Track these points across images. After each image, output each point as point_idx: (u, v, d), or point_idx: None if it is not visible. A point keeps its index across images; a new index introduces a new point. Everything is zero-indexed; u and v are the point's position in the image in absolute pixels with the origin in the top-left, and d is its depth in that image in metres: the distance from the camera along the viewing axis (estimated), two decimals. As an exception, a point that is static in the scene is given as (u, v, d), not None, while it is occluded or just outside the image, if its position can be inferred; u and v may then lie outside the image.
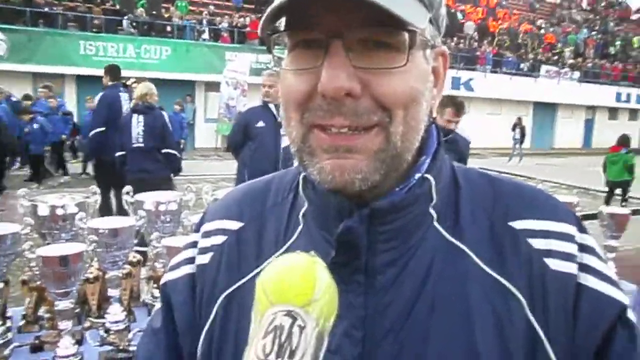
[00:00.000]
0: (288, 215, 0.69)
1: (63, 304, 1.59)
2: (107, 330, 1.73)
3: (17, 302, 2.05)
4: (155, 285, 2.01)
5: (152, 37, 17.65)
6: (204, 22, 19.32)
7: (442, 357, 0.57)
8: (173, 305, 0.72)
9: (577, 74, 27.84)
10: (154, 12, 18.34)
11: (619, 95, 29.42)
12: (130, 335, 1.70)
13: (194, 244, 0.74)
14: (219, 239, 0.71)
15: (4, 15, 15.82)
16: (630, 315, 0.60)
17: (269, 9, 0.55)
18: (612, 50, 32.18)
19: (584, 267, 0.60)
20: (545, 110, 27.25)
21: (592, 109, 29.26)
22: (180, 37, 18.41)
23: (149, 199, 2.00)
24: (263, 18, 0.55)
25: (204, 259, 0.71)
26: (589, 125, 29.67)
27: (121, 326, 1.80)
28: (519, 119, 20.13)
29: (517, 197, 0.65)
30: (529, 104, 26.09)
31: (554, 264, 0.60)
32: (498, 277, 0.60)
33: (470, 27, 25.94)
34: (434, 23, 0.61)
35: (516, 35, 27.47)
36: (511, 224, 0.62)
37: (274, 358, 0.45)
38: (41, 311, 1.87)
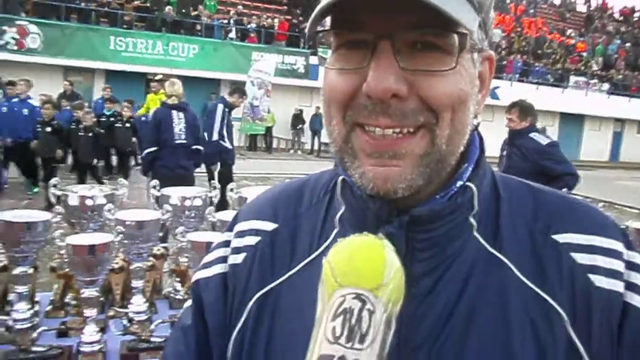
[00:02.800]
0: (323, 218, 0.69)
1: (89, 292, 1.64)
2: (130, 320, 1.77)
3: (44, 288, 2.11)
4: (178, 279, 2.05)
5: (180, 35, 17.90)
6: (232, 21, 19.51)
7: None
8: (204, 304, 0.71)
9: (606, 86, 27.28)
10: (183, 11, 18.59)
11: (649, 108, 28.76)
12: (152, 327, 1.74)
13: (226, 243, 0.73)
14: (253, 240, 0.71)
15: (39, 9, 16.25)
16: None
17: (317, 8, 0.54)
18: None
19: (631, 286, 0.58)
20: (572, 121, 26.76)
21: (620, 121, 28.63)
22: (208, 36, 18.63)
23: (175, 193, 2.04)
24: (312, 16, 0.55)
25: (237, 258, 0.70)
26: (617, 138, 29.03)
27: (143, 317, 1.84)
28: (544, 128, 19.78)
29: (560, 209, 0.64)
30: (555, 115, 25.65)
31: (598, 280, 0.58)
32: (539, 291, 0.58)
33: (497, 35, 25.65)
34: (482, 26, 0.60)
35: (545, 44, 27.06)
36: (554, 237, 0.61)
37: (344, 342, 0.45)
38: (68, 298, 1.93)
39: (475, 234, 0.61)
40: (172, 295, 2.10)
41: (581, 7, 36.26)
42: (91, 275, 1.61)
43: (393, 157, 0.56)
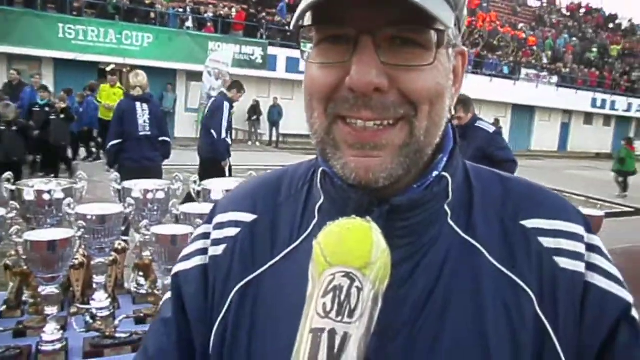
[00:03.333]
0: (302, 209, 0.70)
1: (49, 289, 1.59)
2: (93, 317, 1.73)
3: (-2, 288, 2.03)
4: (141, 273, 2.01)
5: (134, 24, 17.37)
6: (188, 10, 19.09)
7: (454, 349, 0.59)
8: (184, 295, 0.72)
9: (555, 78, 28.35)
10: (136, -2, 18.05)
11: (594, 100, 30.06)
12: (116, 322, 1.70)
13: (206, 235, 0.74)
14: (233, 231, 0.72)
15: (-21, -7, 15.41)
16: (634, 313, 0.62)
17: (302, 5, 0.56)
18: (590, 56, 32.82)
19: (591, 266, 0.62)
20: (523, 112, 27.69)
21: (568, 113, 29.85)
22: (163, 25, 18.16)
23: (137, 186, 1.99)
24: (297, 13, 0.56)
25: (217, 250, 0.71)
26: (564, 129, 30.27)
27: (106, 313, 1.80)
28: (497, 120, 20.41)
29: (528, 197, 0.67)
30: (507, 106, 26.48)
31: (563, 262, 0.62)
32: (510, 274, 0.62)
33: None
34: (457, 23, 0.62)
35: (498, 37, 27.81)
36: (522, 222, 0.65)
37: (334, 316, 0.47)
38: (25, 296, 1.85)
39: (450, 221, 0.65)
40: (135, 289, 2.06)
41: (532, 2, 37.46)
42: (51, 272, 1.55)
43: (374, 148, 0.58)
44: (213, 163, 6.28)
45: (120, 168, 5.06)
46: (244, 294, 0.68)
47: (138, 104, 5.22)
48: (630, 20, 42.45)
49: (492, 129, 4.81)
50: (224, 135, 6.30)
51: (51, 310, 1.61)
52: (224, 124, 6.33)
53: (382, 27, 0.55)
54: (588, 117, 31.02)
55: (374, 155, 0.58)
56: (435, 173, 0.64)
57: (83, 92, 12.71)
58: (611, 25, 39.25)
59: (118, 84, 11.36)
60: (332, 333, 0.47)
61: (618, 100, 31.26)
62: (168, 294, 0.76)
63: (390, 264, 0.52)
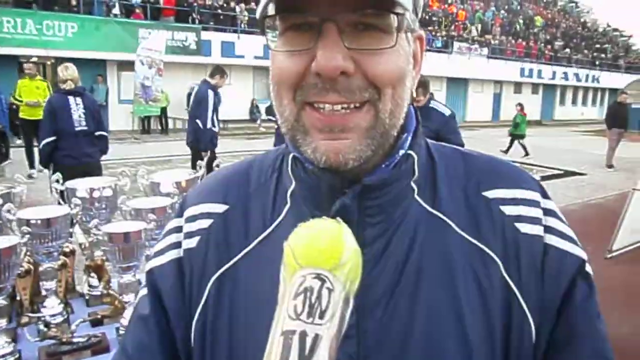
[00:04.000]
0: (273, 196, 0.71)
1: (-4, 301, 1.50)
2: (46, 325, 1.65)
3: None
4: (93, 275, 1.94)
5: (55, 12, 16.35)
6: (113, -4, 18.20)
7: (430, 320, 0.62)
8: (161, 291, 0.71)
9: (485, 51, 29.33)
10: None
11: (522, 70, 31.45)
12: (73, 327, 1.64)
13: (178, 229, 0.74)
14: (205, 223, 0.72)
15: None
16: (588, 268, 0.68)
17: (261, 2, 0.57)
18: (517, 27, 34.15)
19: (548, 229, 0.67)
20: (458, 85, 28.56)
21: (499, 83, 31.05)
22: (87, 13, 17.22)
23: (81, 185, 1.91)
24: (261, 4, 0.57)
25: (191, 243, 0.72)
26: (497, 99, 31.49)
27: (60, 319, 1.73)
28: (431, 94, 20.91)
29: (487, 169, 0.71)
30: (442, 79, 27.19)
31: (523, 227, 0.66)
32: (476, 242, 0.65)
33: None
34: (414, 8, 0.64)
35: (427, 12, 28.36)
36: (484, 193, 0.68)
37: (305, 318, 0.48)
38: (-33, 311, 1.74)
39: (417, 197, 0.68)
40: (88, 292, 1.99)
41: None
42: (-3, 282, 1.47)
43: (342, 131, 0.60)
44: (199, 152, 6.23)
45: (57, 167, 4.82)
46: (221, 283, 0.68)
47: (71, 98, 4.97)
48: (550, -8, 44.44)
49: (447, 112, 4.89)
50: (209, 125, 6.30)
51: (0, 323, 1.53)
52: (209, 113, 6.29)
53: (344, 13, 0.56)
54: (517, 87, 32.41)
55: (342, 137, 0.60)
56: (401, 152, 0.66)
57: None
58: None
59: (39, 77, 9.68)
60: (303, 335, 0.47)
61: (544, 69, 32.84)
62: (143, 291, 0.75)
63: (362, 265, 0.53)
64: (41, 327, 1.68)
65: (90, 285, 2.01)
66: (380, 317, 0.62)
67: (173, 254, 0.73)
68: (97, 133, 5.16)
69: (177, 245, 0.73)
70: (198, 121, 6.30)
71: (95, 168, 4.81)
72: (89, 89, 16.46)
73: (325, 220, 0.54)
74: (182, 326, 0.70)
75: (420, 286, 0.63)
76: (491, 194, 0.68)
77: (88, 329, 1.73)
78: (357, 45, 0.58)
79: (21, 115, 9.55)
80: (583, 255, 0.68)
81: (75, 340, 1.61)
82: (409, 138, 0.68)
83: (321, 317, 0.48)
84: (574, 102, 37.00)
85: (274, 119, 5.39)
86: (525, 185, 0.70)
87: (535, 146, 15.58)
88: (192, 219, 0.73)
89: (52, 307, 1.75)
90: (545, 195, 0.70)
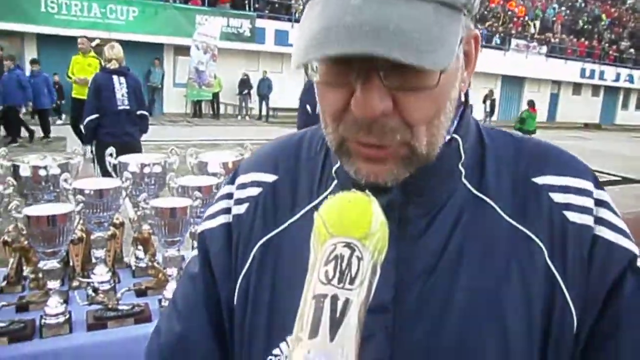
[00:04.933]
0: (321, 170, 0.73)
1: (51, 264, 1.60)
2: (95, 290, 1.75)
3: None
4: (140, 247, 2.02)
5: (118, -4, 16.94)
6: (173, -18, 18.66)
7: (467, 300, 0.62)
8: (210, 253, 0.75)
9: (544, 49, 28.26)
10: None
11: (583, 71, 30.06)
12: (118, 295, 1.72)
13: (229, 195, 0.78)
14: (255, 191, 0.75)
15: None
16: None
17: (295, 46, 0.55)
18: (580, 25, 32.68)
19: (599, 220, 0.65)
20: (513, 83, 27.68)
21: (557, 83, 29.87)
22: (148, -2, 17.75)
23: (133, 160, 1.99)
24: (293, 55, 0.54)
25: (240, 209, 0.75)
26: (554, 99, 30.33)
27: (108, 286, 1.82)
28: (491, 91, 20.44)
29: (539, 155, 0.70)
30: (497, 77, 26.43)
31: (572, 216, 0.65)
32: (521, 227, 0.64)
33: None
34: (467, 14, 0.60)
35: (486, 7, 27.57)
36: (534, 179, 0.67)
37: (336, 283, 0.50)
38: (25, 272, 1.86)
39: (464, 180, 0.67)
40: (134, 263, 2.08)
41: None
42: (52, 247, 1.56)
43: (380, 162, 0.60)
44: None
45: (98, 144, 4.98)
46: (266, 250, 0.71)
47: (115, 77, 5.09)
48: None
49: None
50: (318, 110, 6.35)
51: (53, 284, 1.63)
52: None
53: (384, 62, 0.52)
54: (577, 88, 31.07)
55: (379, 164, 0.60)
56: (447, 137, 0.66)
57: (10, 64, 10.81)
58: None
59: (92, 53, 8.98)
60: (335, 299, 0.49)
61: (607, 70, 31.28)
62: (194, 252, 0.80)
63: (388, 237, 0.54)
64: (90, 292, 1.78)
65: (136, 257, 2.10)
66: (419, 293, 0.63)
67: (223, 219, 0.76)
68: (138, 112, 5.26)
69: (227, 210, 0.76)
70: (308, 107, 6.39)
71: (134, 147, 4.89)
72: (146, 72, 17.11)
73: (355, 193, 0.56)
74: (227, 287, 0.73)
75: (460, 267, 0.63)
76: (541, 180, 0.67)
77: (132, 298, 1.82)
78: (397, 83, 0.55)
79: (73, 94, 9.21)
80: (635, 249, 0.66)
81: (120, 307, 1.70)
82: (455, 122, 0.67)
83: (351, 283, 0.50)
84: (638, 106, 35.16)
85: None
86: (577, 173, 0.68)
87: (593, 150, 14.97)
88: (243, 186, 0.76)
89: (100, 274, 1.85)
90: (598, 186, 0.68)
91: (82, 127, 5.33)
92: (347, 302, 0.49)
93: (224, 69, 17.89)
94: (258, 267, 0.71)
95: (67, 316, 1.63)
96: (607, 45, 32.80)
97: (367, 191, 0.56)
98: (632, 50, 33.78)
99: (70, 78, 9.39)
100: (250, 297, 0.71)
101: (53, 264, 1.59)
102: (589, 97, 31.71)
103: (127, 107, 5.13)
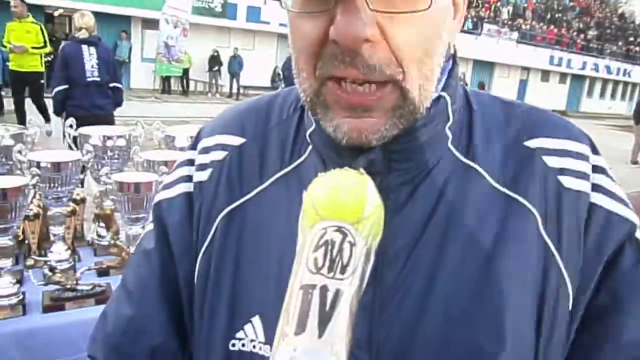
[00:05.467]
0: (294, 134, 0.66)
1: (1, 241, 1.49)
2: (52, 269, 1.64)
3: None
4: (102, 225, 1.91)
5: (83, -35, 16.24)
6: (142, -49, 17.99)
7: (454, 276, 0.57)
8: (168, 225, 0.68)
9: (515, 35, 28.60)
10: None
11: (552, 58, 30.65)
12: (77, 274, 1.62)
13: (190, 162, 0.70)
14: (219, 155, 0.67)
15: None
16: (639, 235, 0.61)
17: None
18: (552, 13, 33.18)
19: (596, 187, 0.60)
20: (484, 68, 27.99)
21: (526, 70, 30.37)
22: (115, -33, 17.08)
23: (95, 133, 1.87)
24: None
25: (202, 175, 0.67)
26: (522, 85, 30.86)
27: (66, 265, 1.72)
28: (463, 74, 20.66)
29: (530, 117, 0.65)
30: (469, 62, 26.66)
31: (568, 181, 0.60)
32: (512, 193, 0.59)
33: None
34: None
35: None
36: (526, 143, 0.62)
37: (326, 272, 0.46)
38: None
39: (450, 145, 0.62)
40: (96, 241, 1.97)
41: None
42: (3, 222, 1.45)
43: (365, 111, 0.53)
44: None
45: (67, 116, 4.80)
46: (230, 219, 0.64)
47: (85, 47, 4.85)
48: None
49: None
50: None
51: (4, 263, 1.52)
52: None
53: None
54: (545, 75, 31.69)
55: (365, 116, 0.53)
56: (434, 95, 0.59)
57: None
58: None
59: (30, 18, 7.78)
60: (324, 290, 0.45)
61: (574, 59, 31.97)
62: (149, 226, 0.71)
63: (384, 219, 0.50)
64: (47, 271, 1.67)
65: (98, 235, 1.99)
66: (401, 268, 0.58)
67: (183, 188, 0.68)
68: (111, 85, 5.08)
69: (188, 178, 0.68)
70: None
71: (106, 120, 4.70)
72: (113, 45, 16.54)
73: (348, 171, 0.51)
74: (186, 262, 0.66)
75: (447, 239, 0.58)
76: (534, 143, 0.62)
77: (94, 278, 1.72)
78: (383, 6, 0.49)
79: (10, 66, 7.96)
80: (635, 219, 0.61)
81: (79, 287, 1.60)
82: (443, 79, 0.62)
83: (342, 272, 0.46)
84: (602, 95, 36.09)
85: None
86: (573, 135, 0.63)
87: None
88: (206, 150, 0.69)
89: (59, 252, 1.74)
90: (595, 151, 0.63)
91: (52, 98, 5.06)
92: (337, 293, 0.45)
93: (194, 44, 17.46)
94: (221, 239, 0.64)
95: (21, 297, 1.53)
96: (575, 33, 33.47)
97: (361, 169, 0.52)
98: (599, 40, 34.59)
99: (4, 47, 8.12)
100: (212, 274, 0.63)
101: (4, 241, 1.48)
102: (557, 84, 32.41)
103: (97, 79, 4.90)
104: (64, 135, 4.96)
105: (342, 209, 0.48)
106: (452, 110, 0.62)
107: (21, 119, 7.92)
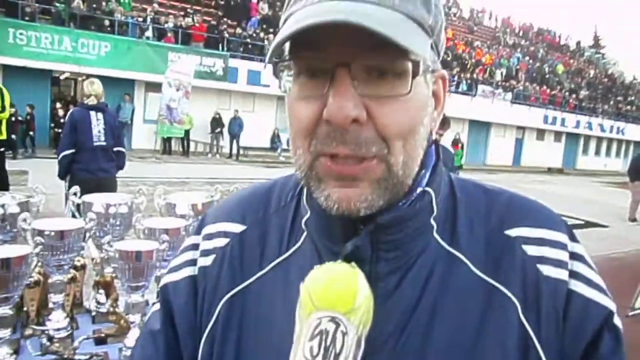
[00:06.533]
0: (291, 221, 0.70)
1: (1, 311, 1.49)
2: (49, 338, 1.63)
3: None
4: (101, 292, 1.91)
5: (90, 31, 16.91)
6: (148, 19, 18.77)
7: (443, 358, 0.60)
8: (173, 308, 0.71)
9: (509, 95, 29.38)
10: (93, 5, 17.58)
11: (546, 117, 31.35)
12: (76, 343, 1.61)
13: (195, 246, 0.74)
14: (222, 242, 0.72)
15: None
16: (617, 320, 0.64)
17: (276, 38, 0.56)
18: (543, 75, 34.21)
19: (574, 274, 0.63)
20: (480, 128, 28.54)
21: (522, 129, 30.94)
22: (121, 34, 17.77)
23: (98, 200, 1.90)
24: (273, 44, 0.56)
25: (206, 261, 0.71)
26: (519, 144, 31.34)
27: (64, 334, 1.70)
28: (458, 134, 21.03)
29: (511, 207, 0.68)
30: (465, 122, 27.20)
31: (546, 270, 0.63)
32: (493, 282, 0.62)
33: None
34: (434, 48, 0.63)
35: (455, 55, 28.62)
36: (507, 232, 0.65)
37: (320, 359, 0.50)
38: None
39: (435, 234, 0.66)
40: (95, 308, 1.96)
41: (487, 22, 38.85)
42: (5, 292, 1.46)
43: (353, 180, 0.58)
44: None
45: (72, 180, 4.90)
46: (232, 304, 0.68)
47: (92, 113, 5.08)
48: (578, 43, 44.66)
49: (452, 150, 5.22)
50: None
51: (3, 333, 1.51)
52: None
53: (357, 59, 0.55)
54: (540, 133, 32.28)
55: (353, 186, 0.58)
56: (419, 189, 0.65)
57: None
58: (562, 44, 41.14)
59: None
60: None
61: (567, 118, 32.69)
62: (155, 307, 0.75)
63: (373, 309, 0.55)
64: (44, 341, 1.65)
65: (97, 302, 1.98)
66: (390, 354, 0.60)
67: (188, 271, 0.73)
68: (115, 149, 5.26)
69: (193, 262, 0.73)
70: None
71: (110, 183, 4.90)
72: (116, 107, 16.95)
73: (341, 265, 0.56)
74: (190, 345, 0.69)
75: (432, 326, 0.61)
76: (514, 232, 0.65)
77: (91, 347, 1.70)
78: (370, 91, 0.56)
79: None
80: (611, 305, 0.64)
81: (77, 357, 1.58)
82: (427, 174, 0.66)
83: (336, 359, 0.50)
84: (597, 152, 36.63)
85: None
86: (551, 225, 0.66)
87: (556, 194, 15.40)
88: (209, 237, 0.73)
89: (57, 320, 1.73)
90: (573, 238, 0.67)
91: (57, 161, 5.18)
92: None
93: (195, 106, 17.90)
94: (223, 322, 0.67)
95: (18, 368, 1.51)
96: (567, 94, 34.37)
97: (352, 263, 0.56)
98: (591, 99, 35.44)
99: None
100: (215, 356, 0.67)
101: (5, 310, 1.48)
102: (552, 142, 32.95)
103: (104, 144, 5.11)
104: (66, 199, 5.02)
105: (336, 300, 0.52)
106: (436, 202, 0.66)
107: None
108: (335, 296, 0.52)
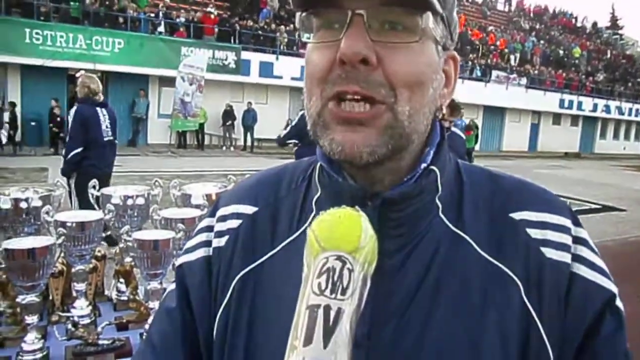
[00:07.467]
0: (302, 202, 0.74)
1: (29, 298, 1.57)
2: (74, 325, 1.71)
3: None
4: (122, 280, 1.99)
5: (104, 29, 17.07)
6: (160, 15, 18.87)
7: (442, 338, 0.62)
8: (189, 286, 0.74)
9: (524, 80, 28.95)
10: (107, 3, 17.73)
11: (562, 101, 30.81)
12: (99, 329, 1.69)
13: (209, 228, 0.77)
14: (235, 223, 0.75)
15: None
16: (619, 303, 0.65)
17: None
18: (559, 58, 33.61)
19: (577, 257, 0.65)
20: (494, 114, 28.19)
21: (537, 114, 30.49)
22: (134, 30, 17.91)
23: (116, 192, 1.98)
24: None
25: (220, 242, 0.74)
26: (534, 129, 30.90)
27: (88, 320, 1.78)
28: (472, 121, 20.82)
29: (516, 191, 0.71)
30: (479, 108, 26.91)
31: (549, 252, 0.64)
32: (497, 263, 0.64)
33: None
34: (445, 23, 0.66)
35: (468, 40, 28.28)
36: (511, 215, 0.67)
37: (329, 294, 0.52)
38: (1, 307, 1.82)
39: (441, 215, 0.68)
40: (116, 296, 2.05)
41: (501, 6, 38.25)
42: (32, 280, 1.54)
43: (359, 124, 0.61)
44: None
45: (79, 175, 4.99)
46: (245, 282, 0.71)
47: (99, 109, 5.21)
48: (594, 24, 43.73)
49: (463, 136, 5.20)
50: None
51: (31, 319, 1.59)
52: None
53: (371, 10, 0.59)
54: (556, 118, 31.76)
55: (358, 130, 0.61)
56: (423, 165, 0.67)
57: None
58: (578, 26, 40.35)
59: None
60: (327, 308, 0.52)
61: (584, 101, 32.08)
62: (171, 286, 0.79)
63: (377, 249, 0.57)
64: (69, 327, 1.74)
65: (118, 290, 2.07)
66: (393, 329, 0.62)
67: (203, 252, 0.76)
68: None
69: (207, 243, 0.76)
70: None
71: (109, 176, 5.09)
72: (131, 103, 17.11)
73: (345, 208, 0.58)
74: (205, 322, 0.72)
75: (436, 303, 0.63)
76: (518, 215, 0.67)
77: (113, 333, 1.78)
78: (381, 38, 0.60)
79: None
80: (613, 288, 0.65)
81: (100, 342, 1.66)
82: (432, 152, 0.69)
83: (343, 293, 0.52)
84: (615, 135, 35.97)
85: (291, 142, 5.55)
86: (555, 209, 0.68)
87: (573, 179, 15.22)
88: (223, 218, 0.76)
89: (81, 308, 1.81)
90: (577, 223, 0.68)
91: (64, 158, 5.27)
92: (339, 311, 0.52)
93: (209, 100, 18.00)
94: (237, 300, 0.70)
95: (45, 352, 1.59)
96: (584, 77, 33.73)
97: (356, 207, 0.59)
98: (609, 82, 34.73)
99: None
100: (230, 332, 0.70)
101: (32, 298, 1.56)
102: (568, 126, 32.40)
103: (111, 138, 5.27)
104: (70, 195, 5.11)
105: (341, 240, 0.55)
106: (441, 182, 0.68)
107: None
108: (341, 236, 0.55)
